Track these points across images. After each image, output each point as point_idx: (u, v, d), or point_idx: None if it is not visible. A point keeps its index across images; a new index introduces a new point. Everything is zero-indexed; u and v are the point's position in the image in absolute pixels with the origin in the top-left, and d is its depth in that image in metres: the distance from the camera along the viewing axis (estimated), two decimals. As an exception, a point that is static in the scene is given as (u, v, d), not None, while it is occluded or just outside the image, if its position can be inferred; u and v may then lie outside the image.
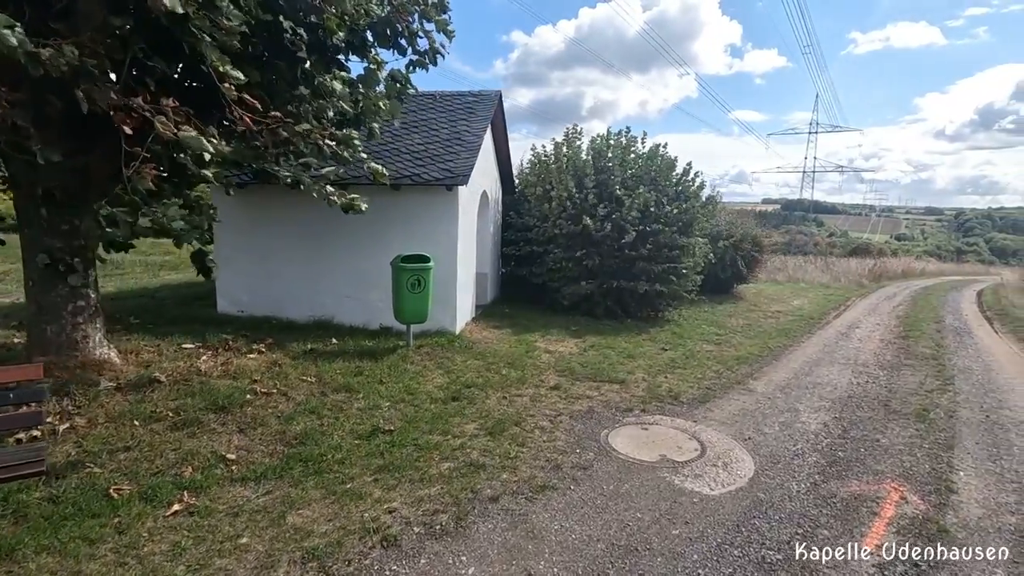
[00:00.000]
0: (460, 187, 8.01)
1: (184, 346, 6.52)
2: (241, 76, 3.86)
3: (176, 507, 3.62)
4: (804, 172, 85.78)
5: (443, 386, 6.36)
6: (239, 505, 3.74)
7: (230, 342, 6.76)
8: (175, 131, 3.50)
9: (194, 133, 3.55)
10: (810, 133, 78.58)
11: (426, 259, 7.39)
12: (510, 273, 11.87)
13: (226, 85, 4.09)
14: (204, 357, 6.06)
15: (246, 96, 4.22)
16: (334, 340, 7.50)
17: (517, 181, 12.29)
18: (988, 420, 6.34)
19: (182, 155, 3.58)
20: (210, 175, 4.30)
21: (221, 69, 3.73)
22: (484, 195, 10.36)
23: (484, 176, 9.97)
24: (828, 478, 4.71)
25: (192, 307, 9.16)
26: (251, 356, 6.36)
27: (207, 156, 3.63)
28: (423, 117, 9.57)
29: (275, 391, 5.54)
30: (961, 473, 4.91)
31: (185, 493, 3.78)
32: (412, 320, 7.45)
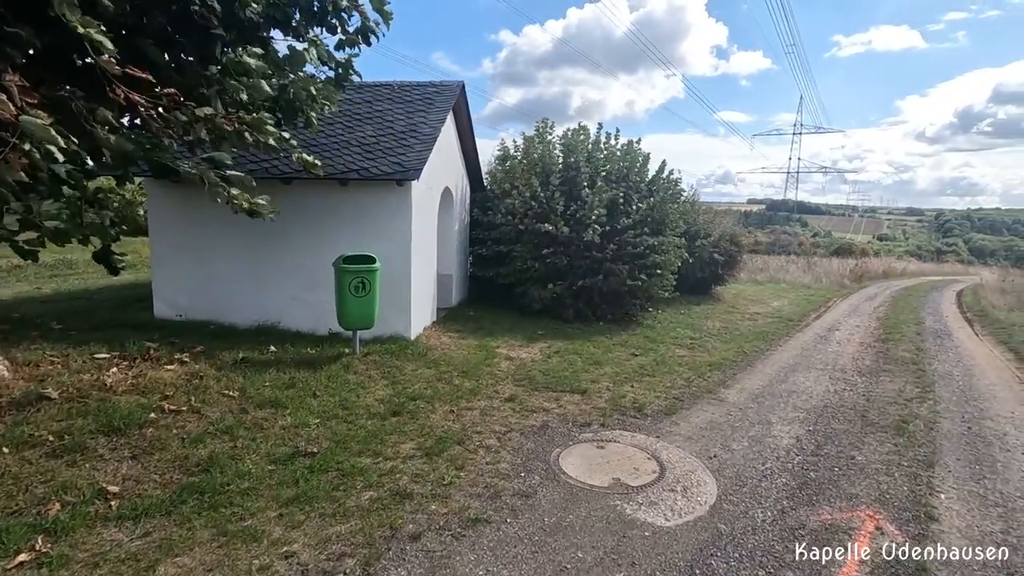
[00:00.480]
0: (413, 182, 7.45)
1: (97, 356, 5.89)
2: (109, 44, 3.28)
3: (23, 557, 3.04)
4: (788, 173, 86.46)
5: (385, 399, 5.80)
6: (104, 552, 3.16)
7: (152, 351, 6.14)
8: (14, 114, 2.90)
9: (41, 119, 2.96)
10: (794, 134, 79.07)
11: (371, 259, 6.82)
12: (478, 274, 11.33)
13: (104, 58, 3.51)
14: (114, 369, 5.44)
15: (133, 70, 3.64)
16: (272, 348, 6.91)
17: (488, 178, 11.76)
18: (970, 432, 5.93)
19: (28, 145, 2.99)
20: (61, 171, 3.70)
21: (82, 31, 3.14)
22: (447, 191, 9.82)
23: (446, 171, 9.43)
24: (798, 504, 4.24)
25: (128, 310, 8.50)
26: (170, 367, 5.75)
27: (55, 149, 3.03)
28: (378, 108, 8.99)
29: (186, 408, 4.95)
30: (942, 496, 4.46)
31: (41, 538, 3.19)
32: (357, 325, 6.88)
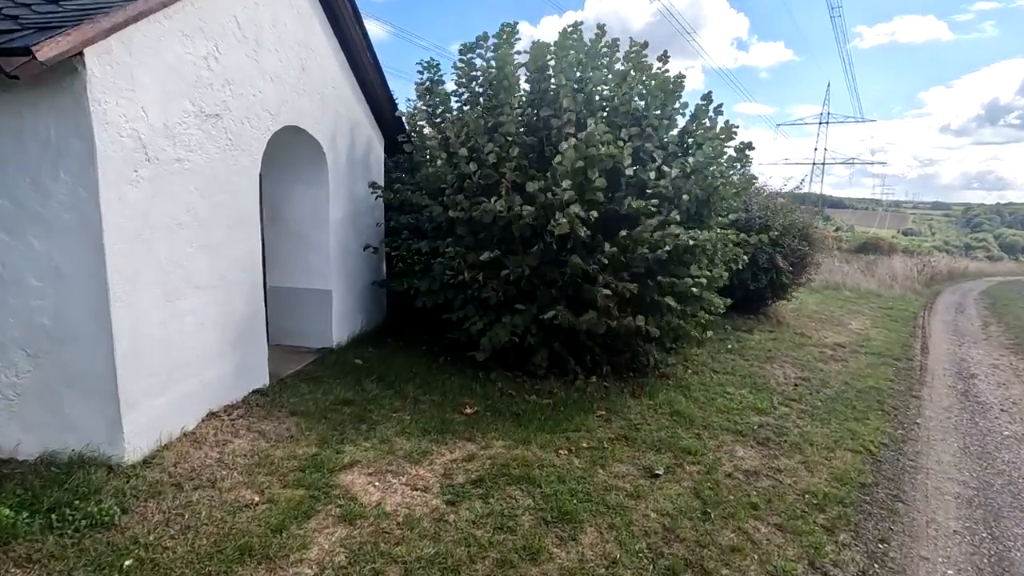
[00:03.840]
0: (100, 77, 2.97)
1: None
2: None
3: None
4: (813, 164, 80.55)
5: None
6: None
7: None
8: None
9: None
10: (821, 123, 73.20)
11: None
12: (397, 288, 6.78)
13: None
14: None
15: None
16: None
17: (411, 129, 7.19)
18: None
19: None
20: None
21: None
22: (308, 141, 5.33)
23: (296, 96, 4.93)
24: None
25: None
26: None
27: None
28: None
29: None
30: None
31: None
32: None
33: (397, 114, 6.25)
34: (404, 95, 30.59)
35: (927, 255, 26.68)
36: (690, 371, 6.58)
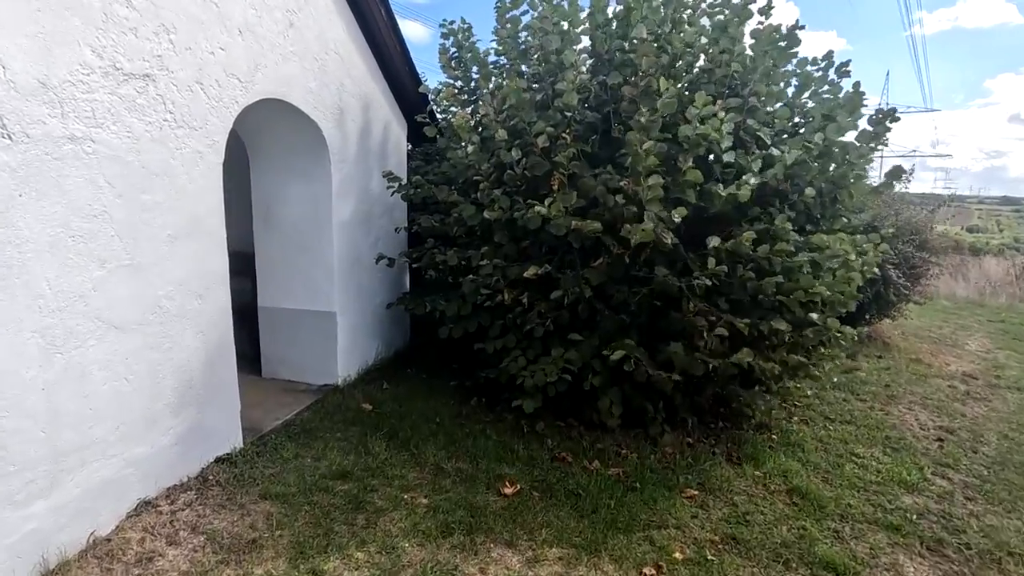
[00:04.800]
0: None
1: None
2: None
3: None
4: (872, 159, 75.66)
5: None
6: None
7: None
8: None
9: None
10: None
11: None
12: (416, 310, 5.46)
13: None
14: None
15: None
16: None
17: (437, 109, 5.87)
18: None
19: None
20: None
21: None
22: (310, 124, 4.10)
23: (299, 64, 3.68)
24: None
25: None
26: None
27: None
28: None
29: None
30: None
31: None
32: None
33: (421, 90, 4.92)
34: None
35: (1010, 257, 23.77)
36: (795, 418, 5.05)
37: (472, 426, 4.36)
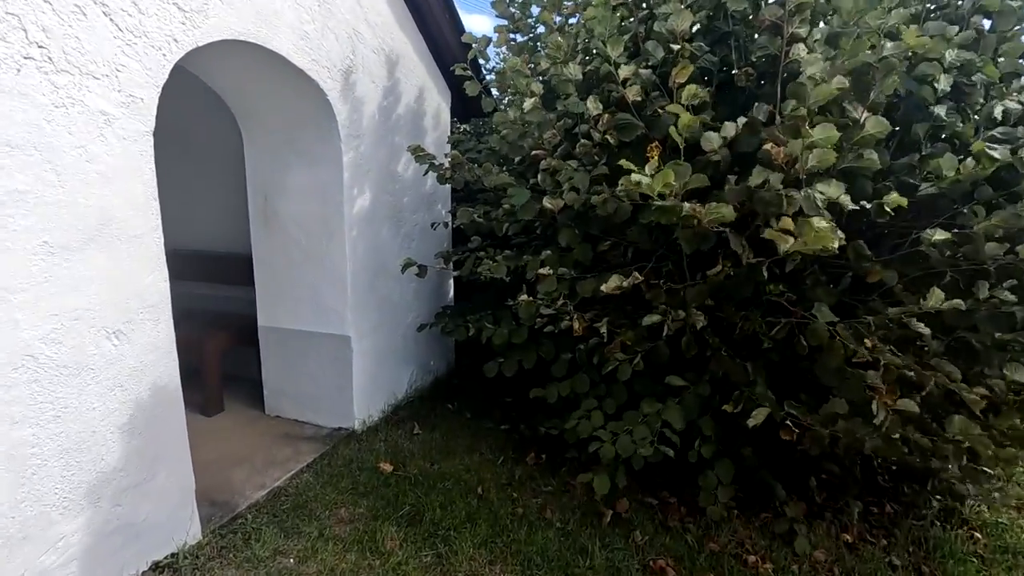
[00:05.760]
0: None
1: None
2: None
3: None
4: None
5: None
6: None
7: None
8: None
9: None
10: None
11: None
12: (444, 332, 4.26)
13: None
14: None
15: None
16: None
17: (494, 85, 4.63)
18: None
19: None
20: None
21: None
22: (310, 84, 2.98)
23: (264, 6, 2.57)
24: None
25: None
26: None
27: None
28: None
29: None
30: None
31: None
32: None
33: (464, 39, 3.68)
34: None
35: None
36: (998, 504, 3.46)
37: (527, 501, 3.12)
